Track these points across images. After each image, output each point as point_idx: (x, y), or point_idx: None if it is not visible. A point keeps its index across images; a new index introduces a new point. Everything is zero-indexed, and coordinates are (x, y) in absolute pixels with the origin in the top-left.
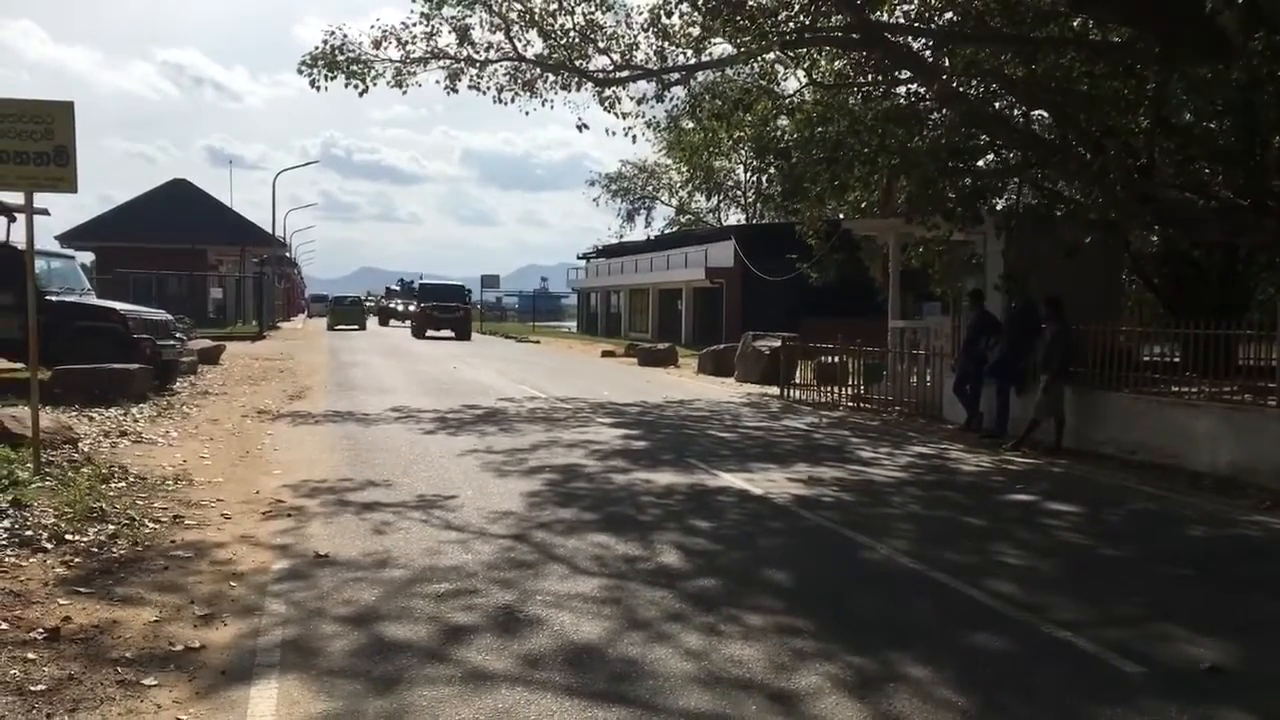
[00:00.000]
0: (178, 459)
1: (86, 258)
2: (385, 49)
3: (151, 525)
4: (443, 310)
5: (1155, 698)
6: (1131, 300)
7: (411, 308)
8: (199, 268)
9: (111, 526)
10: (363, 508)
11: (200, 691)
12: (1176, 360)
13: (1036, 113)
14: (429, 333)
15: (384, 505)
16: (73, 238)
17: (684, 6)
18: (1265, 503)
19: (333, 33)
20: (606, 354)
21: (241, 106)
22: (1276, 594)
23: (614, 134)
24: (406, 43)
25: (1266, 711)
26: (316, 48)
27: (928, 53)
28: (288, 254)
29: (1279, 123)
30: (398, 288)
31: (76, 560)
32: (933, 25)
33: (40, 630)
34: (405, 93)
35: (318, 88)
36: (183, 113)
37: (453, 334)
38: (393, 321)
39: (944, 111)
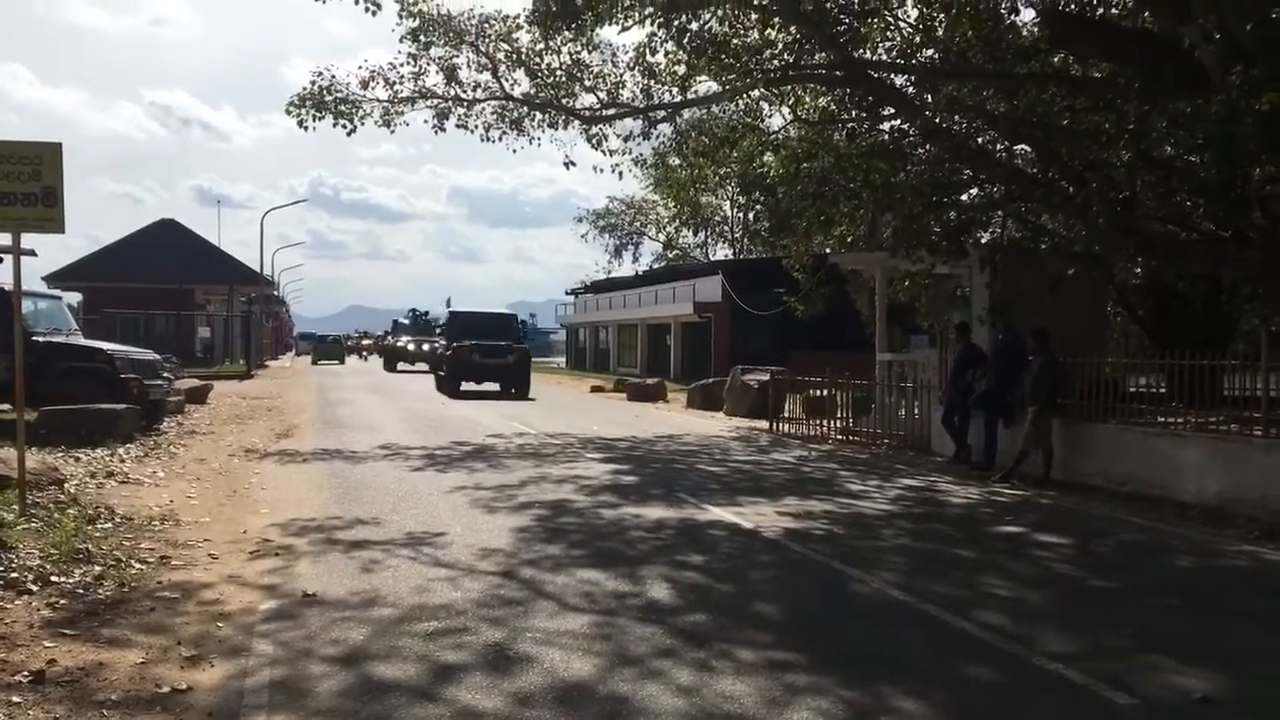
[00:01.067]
0: (164, 499)
1: (74, 298)
2: (373, 89)
3: (138, 566)
4: (488, 352)
5: None
6: (1116, 331)
7: (428, 346)
8: (186, 307)
9: (98, 568)
10: (351, 546)
11: None
12: (1163, 391)
13: (1019, 147)
14: (466, 385)
15: (372, 543)
16: (60, 278)
17: (669, 45)
18: (1253, 533)
19: (320, 73)
20: (595, 389)
21: (229, 146)
22: (1265, 624)
23: (601, 171)
24: (394, 83)
25: None
26: (304, 88)
27: (911, 89)
28: (276, 293)
29: (1259, 155)
30: (407, 320)
31: (62, 602)
32: (915, 62)
33: (25, 673)
34: (393, 132)
35: (306, 128)
36: (170, 153)
37: (502, 387)
38: (403, 365)
39: (928, 147)
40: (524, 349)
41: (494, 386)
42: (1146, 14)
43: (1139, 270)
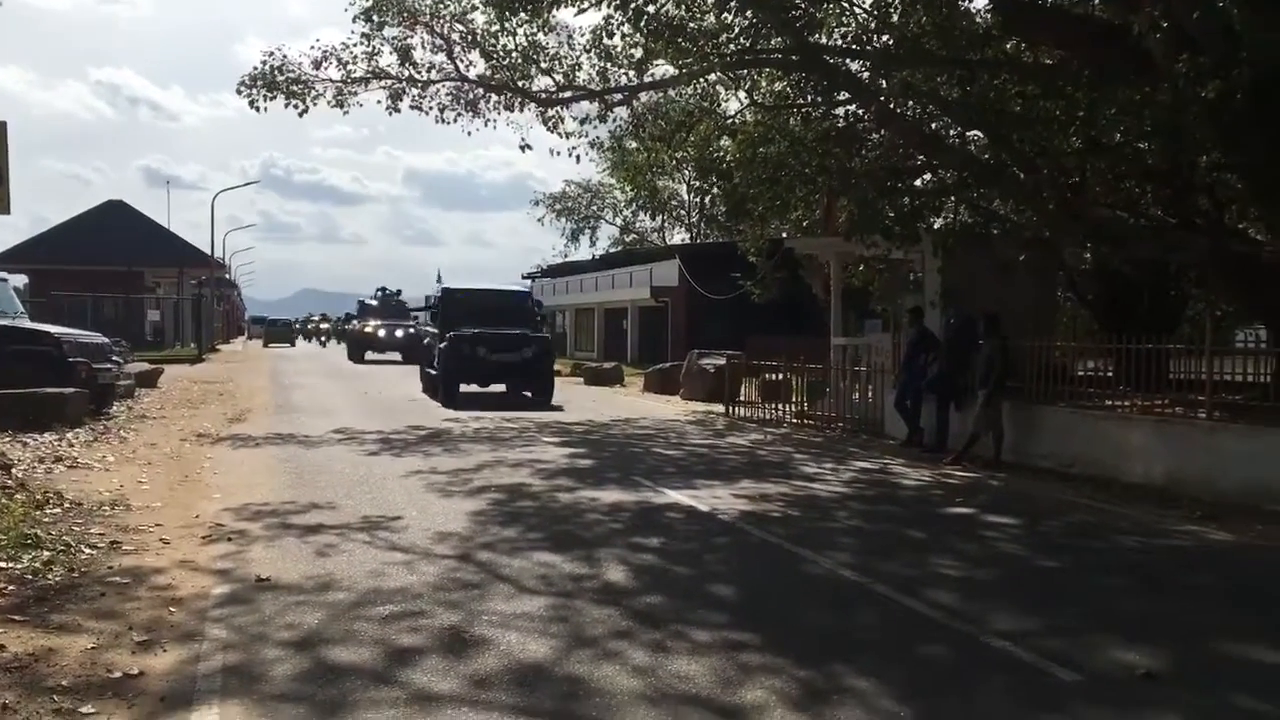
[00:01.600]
0: (115, 484)
1: (19, 280)
2: (326, 69)
3: (88, 551)
4: (496, 344)
5: (1091, 705)
6: (1066, 316)
7: (401, 332)
8: (136, 290)
9: (46, 553)
10: (305, 530)
11: (139, 718)
12: (1110, 375)
13: (972, 133)
14: (468, 387)
15: (327, 528)
16: (5, 260)
17: (626, 28)
18: (1196, 513)
19: (272, 53)
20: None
21: (179, 126)
22: (1208, 602)
23: (558, 154)
24: (347, 63)
25: (1199, 717)
26: (255, 68)
27: (866, 75)
28: (227, 275)
29: (1204, 143)
30: (374, 300)
31: (10, 588)
32: (870, 48)
33: None
34: (346, 113)
35: (257, 108)
36: (118, 133)
37: (513, 389)
38: (372, 354)
39: (882, 132)
40: (543, 338)
41: (502, 388)
42: (1097, 2)
43: (1088, 256)
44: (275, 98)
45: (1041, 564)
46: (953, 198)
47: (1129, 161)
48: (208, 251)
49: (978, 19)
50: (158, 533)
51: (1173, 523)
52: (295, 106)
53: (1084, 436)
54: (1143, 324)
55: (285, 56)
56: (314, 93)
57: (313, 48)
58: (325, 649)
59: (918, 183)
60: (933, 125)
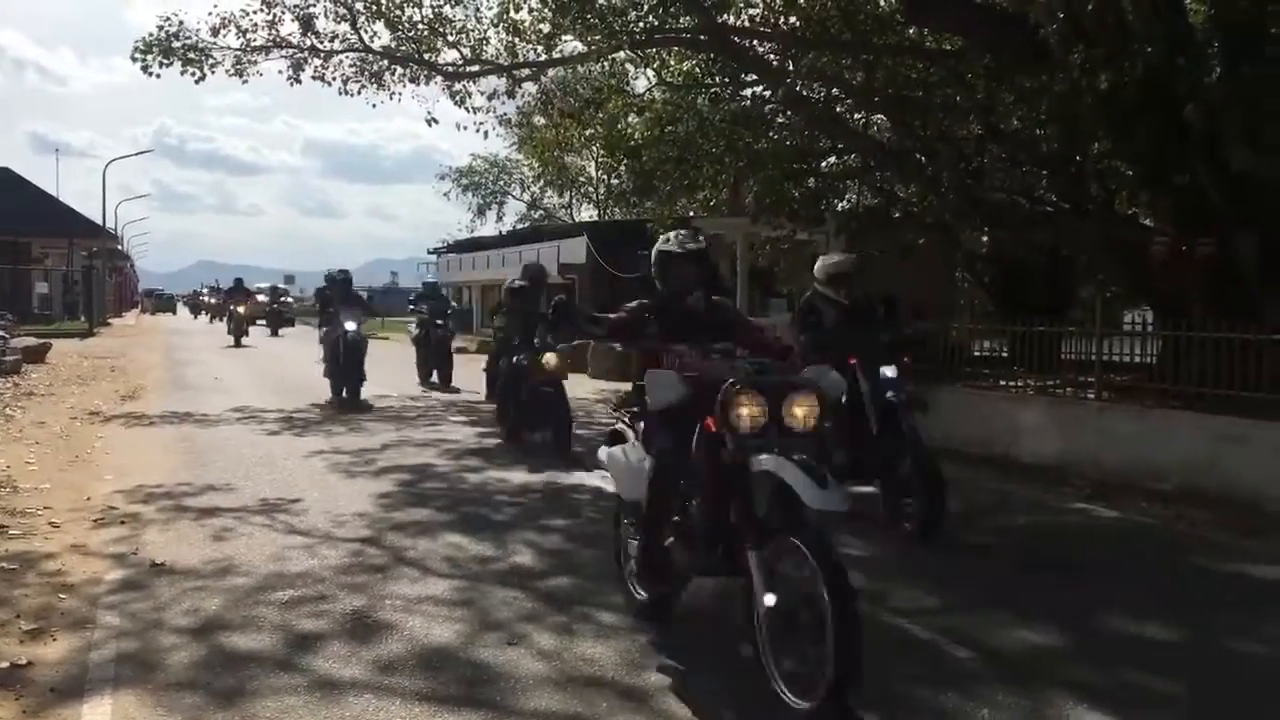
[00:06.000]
0: (0, 465)
1: None
2: (224, 36)
3: None
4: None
5: (986, 682)
6: (964, 298)
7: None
8: (22, 261)
9: None
10: (202, 513)
11: (28, 710)
12: (1005, 355)
13: (875, 117)
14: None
15: (225, 510)
16: None
17: (533, 2)
18: (1086, 491)
19: (169, 18)
20: (459, 350)
21: (67, 91)
22: (1096, 578)
23: (465, 129)
24: (247, 30)
25: (1090, 691)
26: (151, 33)
27: (773, 57)
28: (120, 247)
29: (1096, 132)
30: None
31: None
32: (777, 29)
33: None
34: (245, 82)
35: (151, 74)
36: (2, 96)
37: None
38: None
39: (789, 114)
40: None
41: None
42: None
43: (986, 239)
44: (171, 64)
45: (939, 542)
46: (856, 181)
47: (1026, 148)
48: (99, 222)
49: (882, 4)
50: (47, 516)
51: (1064, 501)
52: (192, 74)
53: (980, 416)
54: (1037, 306)
55: (182, 22)
56: (212, 60)
57: (210, 14)
58: (224, 636)
59: (823, 165)
60: (838, 108)
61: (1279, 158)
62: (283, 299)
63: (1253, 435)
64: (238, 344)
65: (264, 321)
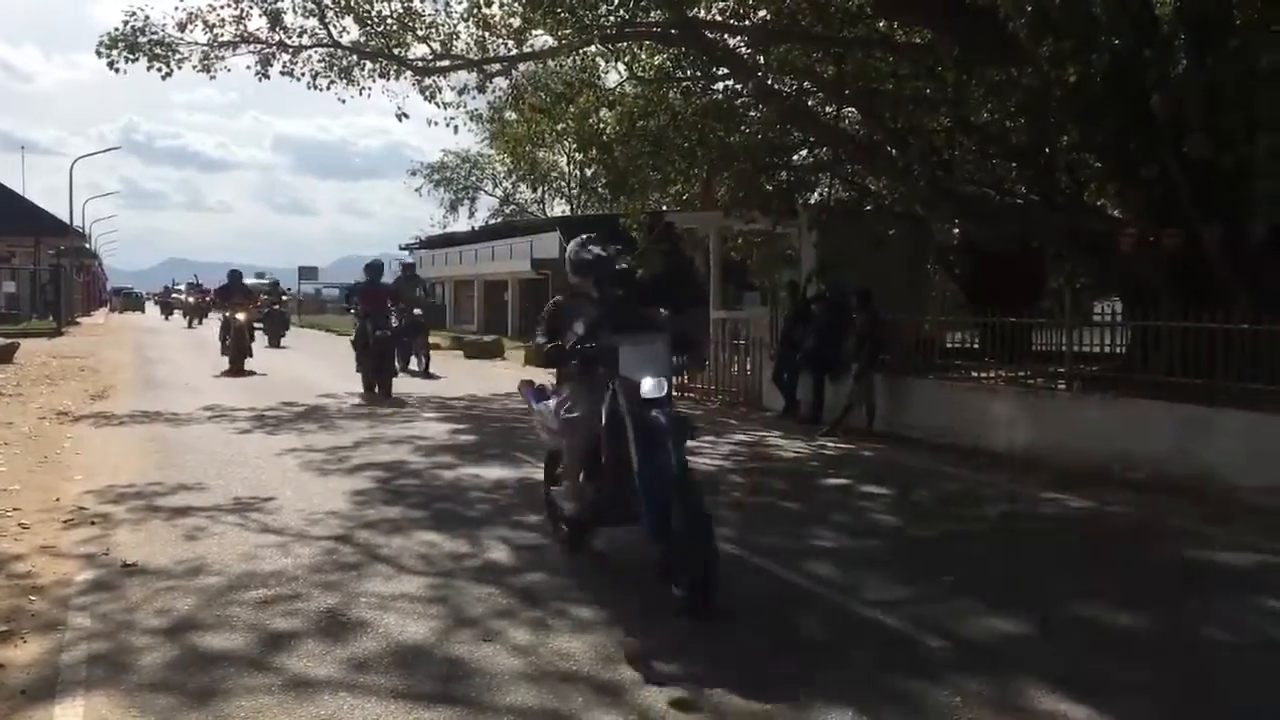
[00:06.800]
0: None
1: None
2: (191, 31)
3: None
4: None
5: (957, 670)
6: (935, 290)
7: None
8: None
9: None
10: (173, 513)
11: None
12: (977, 347)
13: (846, 110)
14: None
15: (197, 509)
16: None
17: None
18: (1055, 481)
19: (134, 14)
20: (431, 346)
21: (32, 88)
22: (1067, 567)
23: (435, 124)
24: (214, 25)
25: (1061, 679)
26: (116, 29)
27: (744, 50)
28: (88, 245)
29: (1065, 124)
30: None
31: None
32: (748, 23)
33: None
34: (213, 77)
35: (117, 70)
36: None
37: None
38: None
39: (761, 108)
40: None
41: None
42: None
43: (957, 231)
44: (137, 59)
45: (912, 533)
46: (828, 173)
47: (995, 140)
48: (66, 220)
49: None
50: (16, 517)
51: (1034, 490)
52: (159, 70)
53: (952, 407)
54: (1008, 297)
55: (148, 17)
56: (179, 55)
57: (177, 8)
58: (196, 636)
59: (795, 159)
60: (809, 102)
61: (1239, 148)
62: (284, 297)
63: (1221, 423)
64: (238, 370)
65: (260, 325)
